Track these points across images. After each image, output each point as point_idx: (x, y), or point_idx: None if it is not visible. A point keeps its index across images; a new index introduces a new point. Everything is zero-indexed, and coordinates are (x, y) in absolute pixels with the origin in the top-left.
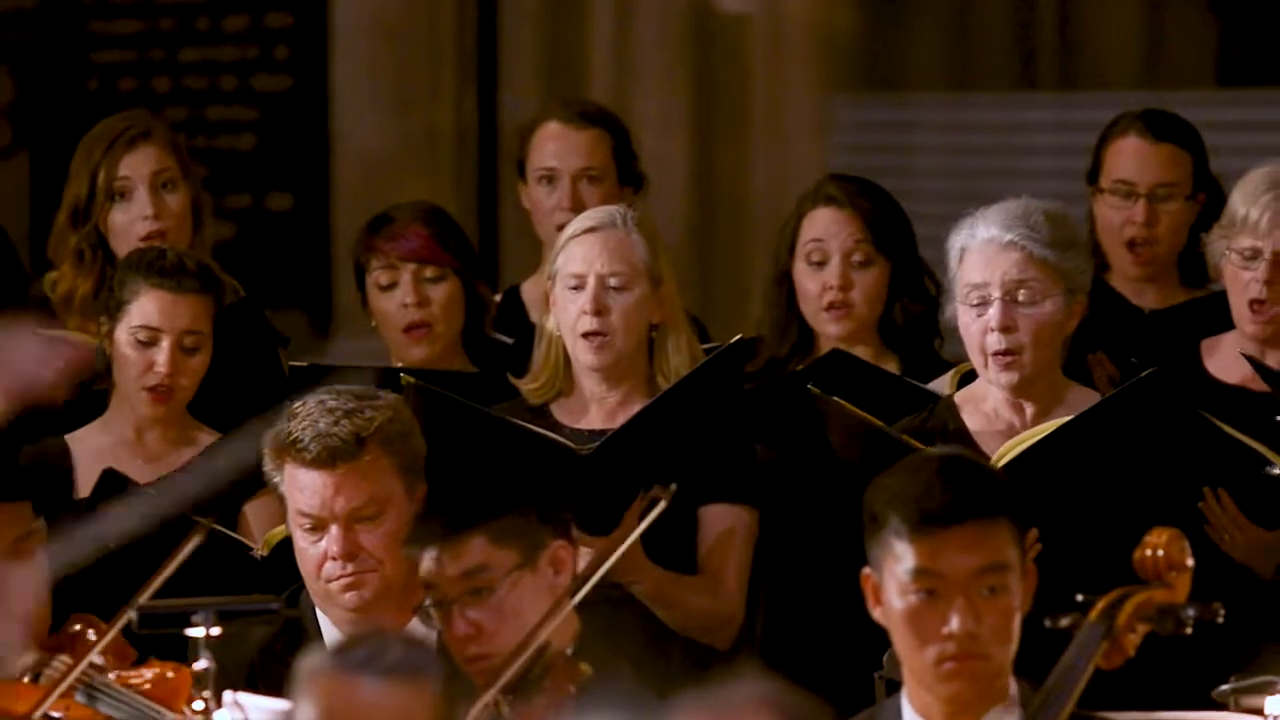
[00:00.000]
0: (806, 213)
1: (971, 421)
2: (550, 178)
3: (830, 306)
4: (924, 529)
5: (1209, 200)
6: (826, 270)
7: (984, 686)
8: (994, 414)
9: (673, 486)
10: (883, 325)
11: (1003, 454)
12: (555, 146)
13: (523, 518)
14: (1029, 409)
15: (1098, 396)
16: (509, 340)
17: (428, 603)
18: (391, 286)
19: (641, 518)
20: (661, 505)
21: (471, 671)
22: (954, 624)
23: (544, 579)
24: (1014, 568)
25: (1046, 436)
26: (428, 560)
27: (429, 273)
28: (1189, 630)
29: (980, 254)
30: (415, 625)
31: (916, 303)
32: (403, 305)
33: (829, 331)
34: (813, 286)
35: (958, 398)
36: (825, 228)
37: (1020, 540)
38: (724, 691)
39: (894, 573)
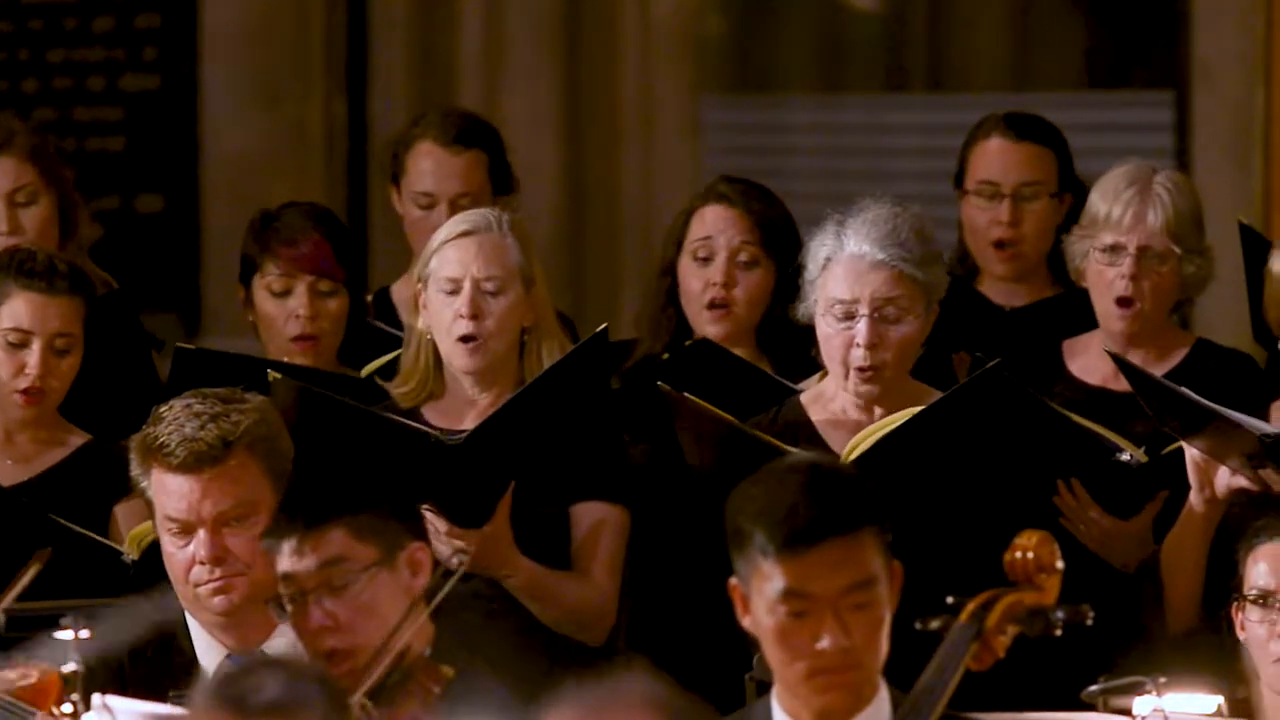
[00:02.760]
0: (697, 209)
1: (819, 419)
2: (428, 204)
3: (712, 304)
4: (791, 550)
5: (1075, 201)
6: (711, 267)
7: (856, 693)
8: (841, 412)
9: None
10: (761, 329)
11: (853, 446)
12: (431, 169)
13: (382, 516)
14: (877, 409)
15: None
16: (397, 332)
17: (282, 595)
18: (285, 294)
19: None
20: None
21: (330, 668)
22: (825, 641)
23: (401, 579)
24: (881, 578)
25: (895, 429)
26: (286, 551)
27: (324, 285)
28: (1058, 632)
29: (849, 268)
30: (281, 643)
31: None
32: (295, 315)
33: (708, 331)
34: (696, 284)
35: (804, 397)
36: (714, 225)
37: (885, 545)
38: (607, 687)
39: (762, 591)
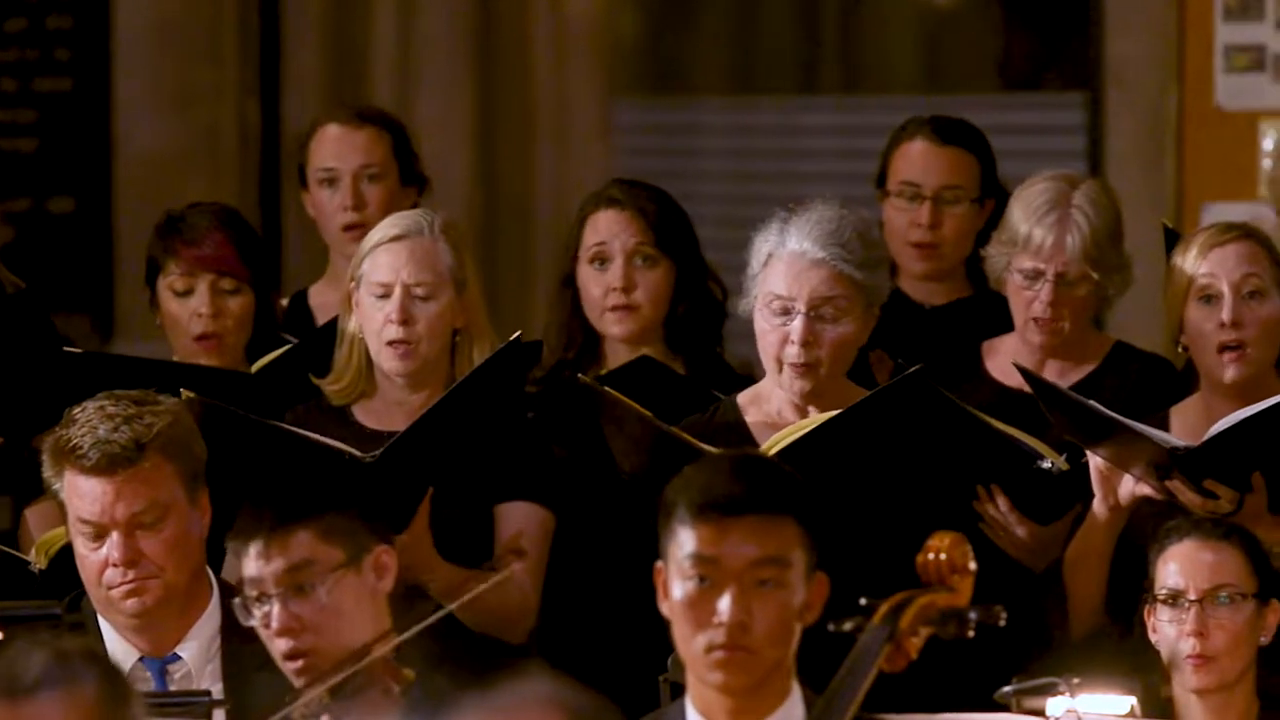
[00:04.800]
0: (589, 215)
1: (754, 421)
2: (331, 179)
3: (614, 308)
4: (706, 515)
5: (996, 207)
6: (610, 271)
7: (755, 682)
8: (777, 413)
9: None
10: (668, 327)
11: (773, 443)
12: (334, 147)
13: (349, 518)
14: (813, 411)
15: None
16: (294, 340)
17: (247, 596)
18: (187, 293)
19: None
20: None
21: (288, 668)
22: (723, 610)
23: (366, 582)
24: (794, 567)
25: (814, 429)
26: (252, 553)
27: (226, 284)
28: (971, 633)
29: (789, 265)
30: (194, 645)
31: (701, 306)
32: (197, 314)
33: (613, 333)
34: (596, 289)
35: (740, 397)
36: (608, 229)
37: (807, 545)
38: (508, 691)
39: (676, 559)
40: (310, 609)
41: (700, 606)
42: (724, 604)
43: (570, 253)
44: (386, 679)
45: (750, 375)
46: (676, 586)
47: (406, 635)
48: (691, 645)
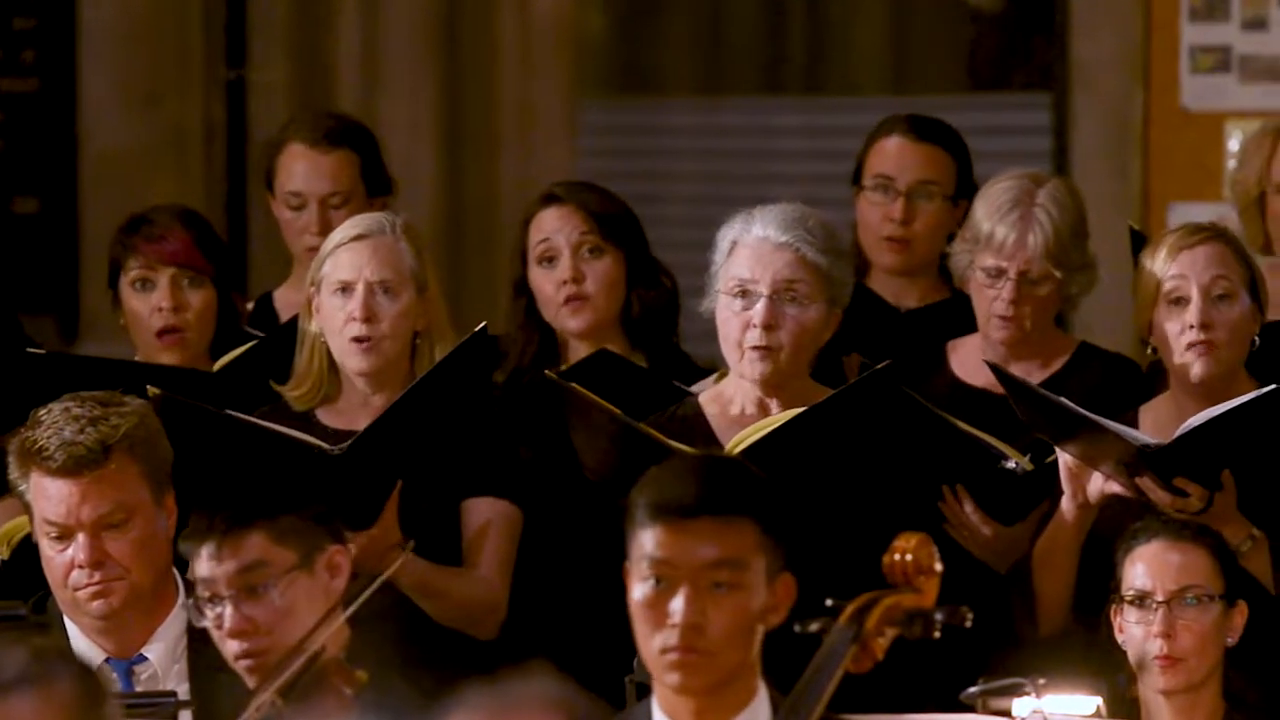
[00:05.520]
0: (532, 217)
1: (717, 420)
2: (298, 204)
3: (567, 301)
4: (663, 517)
5: (969, 208)
6: (559, 266)
7: (713, 683)
8: (741, 412)
9: (411, 543)
10: (626, 321)
11: (737, 441)
12: (301, 170)
13: (301, 519)
14: (775, 409)
15: None
16: (261, 334)
17: (199, 597)
18: (148, 287)
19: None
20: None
21: (241, 669)
22: (675, 611)
23: (320, 582)
24: (753, 569)
25: (779, 427)
26: (205, 554)
27: (188, 278)
28: (937, 634)
29: (753, 250)
30: (160, 647)
31: (654, 296)
32: (157, 309)
33: (570, 327)
34: (549, 287)
35: (703, 397)
36: (551, 225)
37: (769, 547)
38: (510, 690)
39: (634, 559)
40: (263, 610)
41: (656, 608)
42: (676, 605)
43: (519, 258)
44: (339, 681)
45: (714, 367)
46: (635, 588)
47: (349, 610)
48: (648, 647)
